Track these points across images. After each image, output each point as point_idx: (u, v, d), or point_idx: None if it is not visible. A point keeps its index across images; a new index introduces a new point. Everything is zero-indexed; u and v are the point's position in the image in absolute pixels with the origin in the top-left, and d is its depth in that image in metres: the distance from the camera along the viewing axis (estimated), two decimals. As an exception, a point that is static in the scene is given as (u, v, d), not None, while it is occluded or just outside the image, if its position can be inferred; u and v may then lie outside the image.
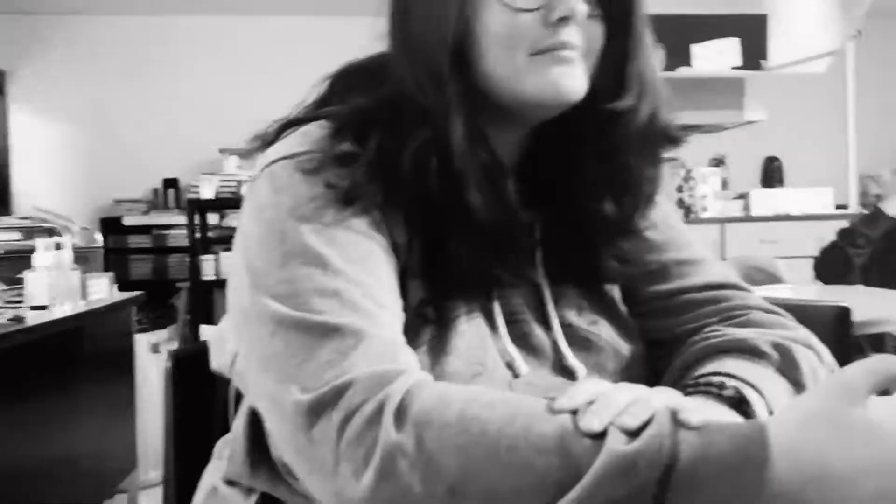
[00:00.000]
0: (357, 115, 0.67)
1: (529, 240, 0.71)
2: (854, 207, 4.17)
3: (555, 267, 0.73)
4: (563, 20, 0.63)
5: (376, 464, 0.49)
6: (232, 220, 4.69)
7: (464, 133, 0.63)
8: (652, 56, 0.68)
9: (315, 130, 0.67)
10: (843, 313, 1.41)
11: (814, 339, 0.70)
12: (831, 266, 2.53)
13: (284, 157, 0.65)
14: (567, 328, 0.72)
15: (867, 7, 3.91)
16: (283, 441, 0.56)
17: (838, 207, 4.29)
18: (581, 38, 0.64)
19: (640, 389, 0.53)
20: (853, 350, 1.53)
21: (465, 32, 0.63)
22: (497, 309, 0.69)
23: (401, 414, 0.51)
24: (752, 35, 4.14)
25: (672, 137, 0.71)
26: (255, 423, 0.69)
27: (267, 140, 0.71)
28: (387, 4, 0.70)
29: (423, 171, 0.63)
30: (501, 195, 0.65)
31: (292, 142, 0.66)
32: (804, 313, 1.43)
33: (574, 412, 0.50)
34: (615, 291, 0.76)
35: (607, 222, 0.71)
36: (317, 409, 0.53)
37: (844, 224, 2.57)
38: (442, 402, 0.51)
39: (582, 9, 0.62)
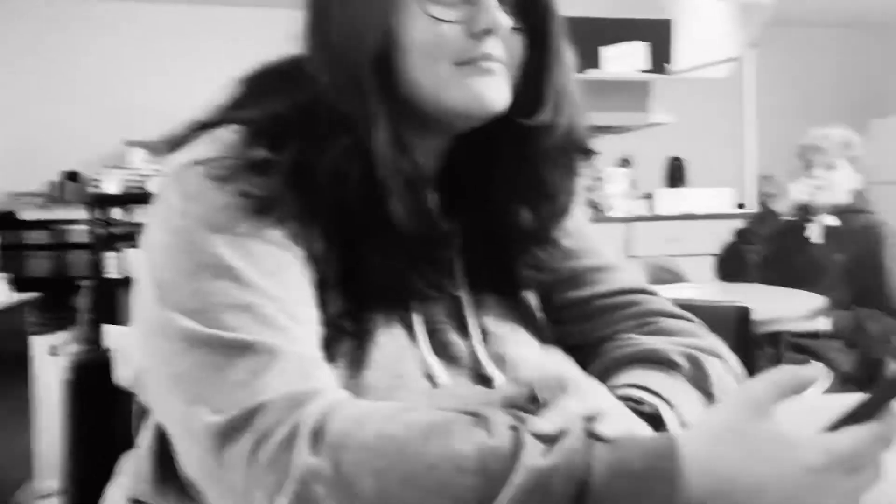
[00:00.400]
0: (272, 120, 0.65)
1: (449, 250, 0.71)
2: (752, 207, 4.37)
3: (474, 275, 0.73)
4: (487, 32, 0.63)
5: (291, 489, 0.48)
6: (138, 215, 4.52)
7: (388, 142, 0.62)
8: (570, 70, 0.69)
9: (227, 135, 0.64)
10: (744, 313, 1.47)
11: (721, 347, 0.72)
12: (728, 264, 2.64)
13: (195, 163, 0.62)
14: (485, 336, 0.72)
15: (766, 17, 4.10)
16: (192, 464, 0.54)
17: (738, 207, 4.49)
18: (503, 51, 0.65)
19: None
20: (753, 347, 1.59)
21: (389, 41, 0.62)
22: (416, 318, 0.68)
23: (316, 437, 0.50)
24: (659, 39, 4.28)
25: (587, 150, 0.72)
26: (163, 440, 0.67)
27: (175, 143, 0.68)
28: (303, 5, 0.68)
29: (342, 180, 0.62)
30: (423, 205, 0.65)
31: (203, 146, 0.64)
32: (708, 313, 1.49)
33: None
34: (532, 298, 0.77)
35: (524, 232, 0.72)
36: (228, 432, 0.51)
37: (743, 223, 2.68)
38: (358, 423, 0.50)
39: (505, 22, 0.63)
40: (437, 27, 0.62)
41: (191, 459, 0.54)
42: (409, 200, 0.63)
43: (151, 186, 4.05)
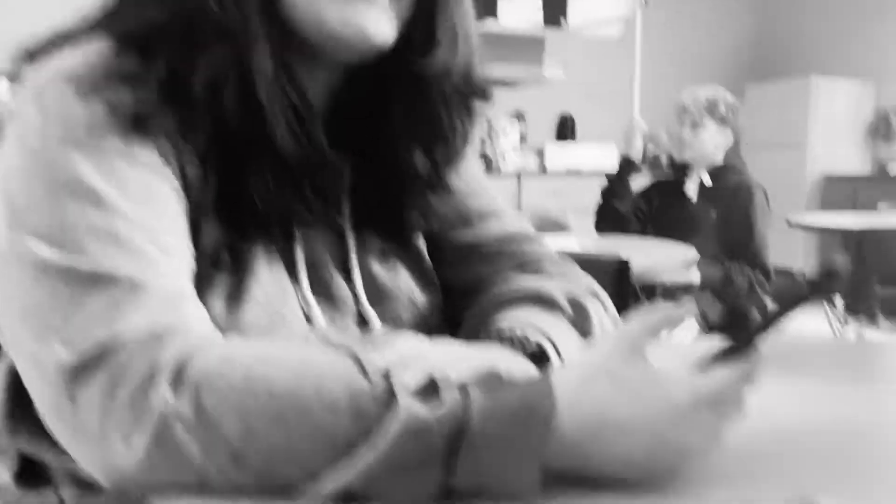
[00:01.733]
0: (145, 29, 0.59)
1: (337, 183, 0.68)
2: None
3: (361, 215, 0.71)
4: None
5: (149, 430, 0.45)
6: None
7: (268, 60, 0.59)
8: (466, 9, 0.67)
9: (94, 46, 0.59)
10: (624, 265, 1.52)
11: (598, 288, 0.74)
12: (603, 218, 2.76)
13: (56, 76, 0.57)
14: (367, 278, 0.71)
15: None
16: (43, 404, 0.50)
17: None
18: None
19: (453, 346, 0.53)
20: (631, 297, 1.66)
21: None
22: (299, 256, 0.66)
23: (179, 376, 0.47)
24: (555, -7, 4.30)
25: (483, 92, 0.71)
26: (16, 376, 0.62)
27: (34, 54, 0.62)
28: None
29: (219, 93, 0.58)
30: (307, 131, 0.62)
31: (66, 58, 0.58)
32: (589, 265, 1.53)
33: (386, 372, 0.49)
34: (419, 240, 0.76)
35: (417, 175, 0.70)
36: (82, 370, 0.47)
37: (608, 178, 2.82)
38: (227, 362, 0.48)
39: None
40: None
41: (42, 400, 0.50)
42: (292, 124, 0.60)
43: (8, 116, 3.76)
